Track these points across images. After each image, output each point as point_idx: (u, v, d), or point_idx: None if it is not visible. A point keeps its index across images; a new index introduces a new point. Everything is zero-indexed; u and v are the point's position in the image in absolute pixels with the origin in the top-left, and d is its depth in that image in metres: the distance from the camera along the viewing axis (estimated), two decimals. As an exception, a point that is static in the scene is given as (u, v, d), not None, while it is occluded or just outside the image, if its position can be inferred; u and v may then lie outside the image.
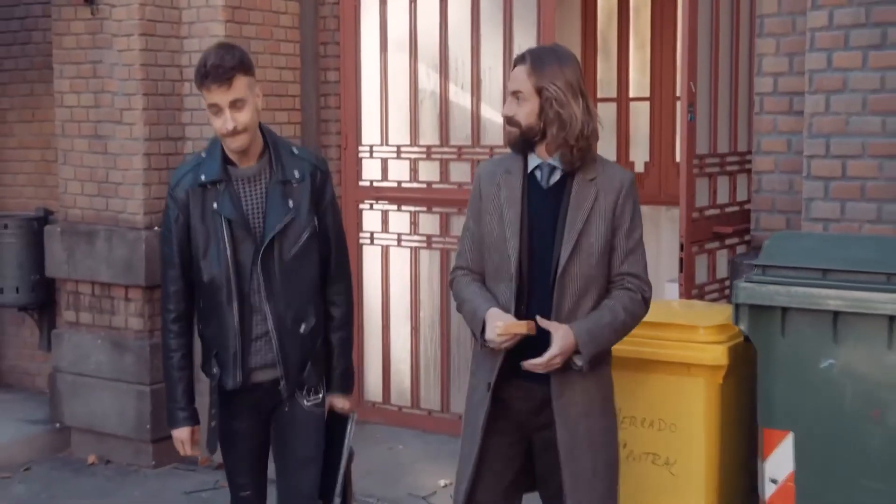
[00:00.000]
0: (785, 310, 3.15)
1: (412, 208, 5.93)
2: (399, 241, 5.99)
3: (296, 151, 3.35)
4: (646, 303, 3.08)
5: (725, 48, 4.73)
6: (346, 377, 3.49)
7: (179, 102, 5.59)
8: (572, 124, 2.96)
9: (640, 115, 7.65)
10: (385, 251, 6.04)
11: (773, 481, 3.19)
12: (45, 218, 6.23)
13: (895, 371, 3.02)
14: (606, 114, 7.75)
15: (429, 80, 5.89)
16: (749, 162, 4.70)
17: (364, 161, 6.09)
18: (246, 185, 3.25)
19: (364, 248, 6.11)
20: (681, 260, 4.27)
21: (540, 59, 3.03)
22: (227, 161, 3.24)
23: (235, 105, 3.13)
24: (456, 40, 5.74)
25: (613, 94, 7.76)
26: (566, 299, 3.00)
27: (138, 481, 5.36)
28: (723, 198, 4.72)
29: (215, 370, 3.30)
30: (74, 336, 5.75)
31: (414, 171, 5.92)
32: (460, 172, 5.77)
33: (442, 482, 5.03)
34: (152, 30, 5.44)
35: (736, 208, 4.79)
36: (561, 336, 2.94)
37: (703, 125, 4.59)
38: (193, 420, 3.38)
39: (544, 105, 2.99)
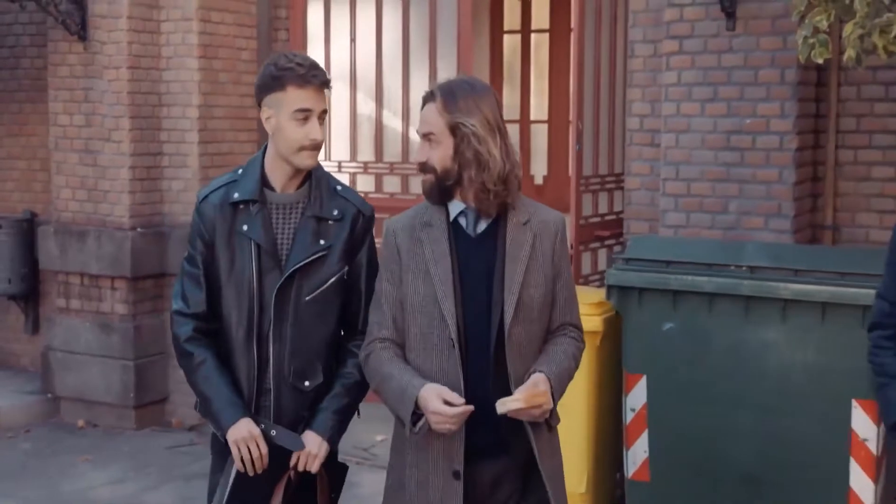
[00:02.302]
0: (641, 290, 4.41)
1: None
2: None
3: (339, 189, 2.94)
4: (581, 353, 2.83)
5: (605, 93, 6.03)
6: (334, 420, 2.87)
7: (158, 123, 6.64)
8: (491, 165, 2.59)
9: (539, 136, 8.97)
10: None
11: (633, 410, 4.46)
12: (31, 219, 7.22)
13: (712, 331, 4.30)
14: (511, 134, 9.07)
15: (366, 106, 7.06)
16: (622, 181, 5.78)
17: (309, 173, 7.23)
18: (281, 213, 2.87)
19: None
20: (570, 256, 5.54)
21: (452, 94, 2.64)
22: (265, 183, 2.87)
23: (322, 117, 2.83)
24: (389, 73, 6.91)
25: (517, 117, 9.09)
26: (518, 366, 2.63)
27: (124, 440, 6.41)
28: (603, 209, 6.00)
29: None
30: (65, 320, 6.75)
31: (352, 183, 7.09)
32: (392, 184, 6.96)
33: (378, 437, 6.16)
34: (137, 63, 6.49)
35: (613, 217, 6.07)
36: (543, 380, 2.60)
37: (588, 152, 5.86)
38: (249, 413, 2.83)
39: (459, 145, 2.60)
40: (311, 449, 2.82)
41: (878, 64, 4.28)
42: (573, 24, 5.52)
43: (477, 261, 2.68)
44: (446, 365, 2.63)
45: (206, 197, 2.92)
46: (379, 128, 6.98)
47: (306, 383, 2.86)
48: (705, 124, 4.95)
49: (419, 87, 6.83)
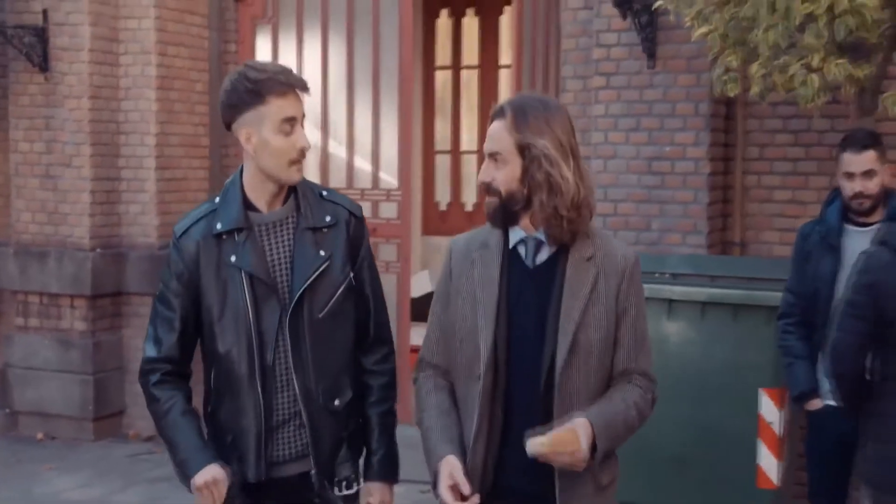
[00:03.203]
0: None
1: (297, 236, 7.55)
2: (286, 262, 7.59)
3: (325, 195, 2.79)
4: (653, 405, 2.58)
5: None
6: (388, 462, 2.81)
7: (117, 150, 7.02)
8: (564, 189, 2.42)
9: (470, 165, 9.51)
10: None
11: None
12: (-13, 242, 7.50)
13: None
14: (442, 163, 9.68)
15: (312, 135, 7.53)
16: None
17: (257, 198, 7.67)
18: (270, 234, 2.69)
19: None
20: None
21: (523, 112, 2.47)
22: (248, 206, 2.69)
23: (302, 123, 2.67)
24: (334, 103, 7.42)
25: (448, 148, 9.64)
26: (566, 414, 2.40)
27: (84, 450, 6.72)
28: (537, 228, 6.58)
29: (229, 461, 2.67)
30: (24, 337, 7.04)
31: (299, 206, 7.53)
32: (337, 208, 7.43)
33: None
34: (98, 93, 6.87)
35: (546, 236, 6.66)
36: (581, 424, 2.36)
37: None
38: (218, 459, 2.64)
39: (529, 166, 2.43)
40: (384, 498, 2.79)
41: (778, 100, 4.91)
42: (512, 61, 6.09)
43: (530, 294, 2.50)
44: (477, 399, 2.46)
45: (186, 231, 2.71)
46: (324, 156, 7.46)
47: (336, 402, 2.73)
48: (629, 151, 5.56)
49: (364, 116, 7.36)
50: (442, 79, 9.60)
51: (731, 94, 4.26)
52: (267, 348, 2.67)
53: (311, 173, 7.45)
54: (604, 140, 5.65)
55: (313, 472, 2.70)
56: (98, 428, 6.91)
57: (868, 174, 3.95)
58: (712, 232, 5.49)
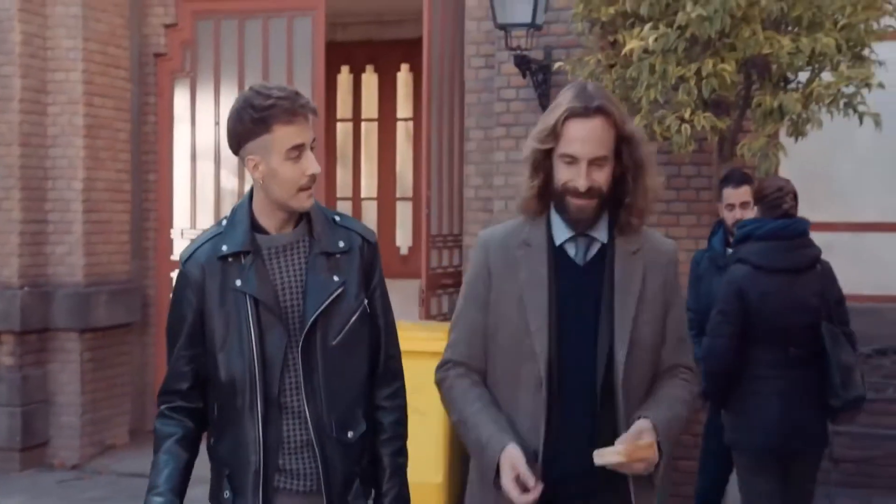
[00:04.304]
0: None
1: (214, 275, 8.03)
2: (204, 299, 8.05)
3: (338, 220, 2.68)
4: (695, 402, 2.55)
5: (446, 169, 7.32)
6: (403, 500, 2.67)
7: (45, 194, 7.41)
8: (652, 172, 2.37)
9: (370, 210, 10.18)
10: (192, 308, 8.08)
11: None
12: (-90, 283, 7.74)
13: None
14: (343, 209, 10.32)
15: (229, 181, 8.09)
16: (461, 239, 7.04)
17: (175, 240, 8.15)
18: (279, 258, 2.58)
19: (174, 305, 8.11)
20: (422, 299, 6.74)
21: (612, 102, 2.36)
22: (255, 228, 2.57)
23: (312, 147, 2.55)
24: (250, 154, 7.98)
25: (349, 195, 10.30)
26: (629, 413, 2.36)
27: (14, 479, 7.00)
28: (445, 262, 7.26)
29: (227, 494, 2.56)
30: (-49, 373, 7.32)
31: (217, 247, 8.03)
32: (253, 249, 7.96)
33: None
34: (27, 141, 7.28)
35: (453, 269, 7.34)
36: (648, 428, 2.31)
37: (434, 216, 7.12)
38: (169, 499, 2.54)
39: (632, 154, 2.36)
40: None
41: (654, 149, 5.74)
42: (411, 114, 6.78)
43: (582, 293, 2.41)
44: (532, 406, 2.37)
45: (192, 255, 2.61)
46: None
47: (349, 434, 2.58)
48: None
49: (278, 164, 7.93)
50: (343, 130, 10.28)
51: (620, 141, 5.05)
52: (272, 379, 2.53)
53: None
54: (504, 183, 6.39)
55: None
56: (24, 458, 7.21)
57: (745, 205, 4.79)
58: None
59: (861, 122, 4.79)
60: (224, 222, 2.64)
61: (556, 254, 2.44)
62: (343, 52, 9.76)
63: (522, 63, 5.91)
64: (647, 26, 4.54)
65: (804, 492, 4.15)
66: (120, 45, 7.78)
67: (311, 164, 2.53)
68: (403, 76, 9.99)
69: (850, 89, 4.69)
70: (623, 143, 2.37)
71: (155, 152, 8.13)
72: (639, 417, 2.35)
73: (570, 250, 2.45)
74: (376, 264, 2.71)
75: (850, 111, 4.74)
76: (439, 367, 2.62)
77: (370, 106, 10.20)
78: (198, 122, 8.10)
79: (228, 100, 7.97)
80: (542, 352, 2.36)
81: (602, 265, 2.43)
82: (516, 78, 6.18)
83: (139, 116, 8.03)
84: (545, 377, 2.35)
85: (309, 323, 2.54)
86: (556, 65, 5.31)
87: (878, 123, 4.73)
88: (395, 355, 2.74)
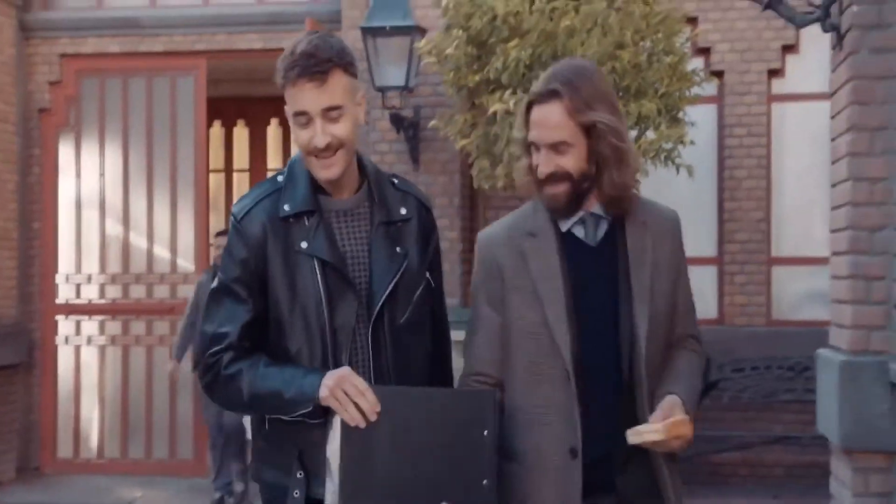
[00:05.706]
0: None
1: (100, 318, 8.51)
2: (89, 341, 8.49)
3: (397, 182, 2.51)
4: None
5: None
6: None
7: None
8: (630, 159, 2.30)
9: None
10: (77, 349, 8.51)
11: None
12: None
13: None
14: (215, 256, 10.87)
15: (114, 228, 8.57)
16: None
17: (60, 285, 8.55)
18: (342, 223, 2.39)
19: (59, 347, 8.51)
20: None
21: (574, 88, 2.26)
22: (316, 188, 2.37)
23: (329, 115, 2.29)
24: (135, 200, 8.49)
25: (224, 243, 10.83)
26: (651, 389, 2.32)
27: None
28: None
29: (299, 475, 2.35)
30: None
31: (102, 293, 8.49)
32: (138, 292, 8.44)
33: (138, 493, 7.55)
34: (-80, 190, 7.65)
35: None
36: (678, 407, 2.27)
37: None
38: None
39: (597, 144, 2.26)
40: None
41: (513, 194, 6.64)
42: (282, 164, 7.43)
43: (597, 274, 2.35)
44: (560, 398, 2.30)
45: (248, 212, 2.36)
46: (126, 245, 8.49)
47: None
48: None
49: (162, 212, 8.49)
50: (215, 181, 10.85)
51: (486, 187, 5.93)
52: (342, 349, 2.34)
53: (114, 260, 8.46)
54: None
55: None
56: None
57: None
58: (465, 296, 7.12)
59: (678, 172, 5.81)
60: (280, 178, 2.43)
61: (565, 239, 2.37)
62: (215, 107, 10.36)
63: (396, 120, 6.74)
64: (508, 91, 5.42)
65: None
66: (7, 101, 8.22)
67: (315, 136, 2.31)
68: (273, 130, 10.69)
69: (669, 145, 5.69)
70: (591, 129, 2.28)
71: (40, 202, 8.54)
72: (667, 393, 2.31)
73: (579, 232, 2.38)
74: (434, 232, 2.55)
75: (669, 163, 5.75)
76: (459, 380, 2.49)
77: (241, 157, 10.82)
78: (83, 174, 8.56)
79: (113, 152, 8.51)
80: (565, 343, 2.29)
81: (614, 242, 2.38)
82: (390, 133, 7.00)
83: (25, 168, 8.45)
84: (572, 370, 2.29)
85: (379, 304, 2.35)
86: (431, 123, 6.16)
87: (691, 173, 5.78)
88: (447, 332, 2.61)
